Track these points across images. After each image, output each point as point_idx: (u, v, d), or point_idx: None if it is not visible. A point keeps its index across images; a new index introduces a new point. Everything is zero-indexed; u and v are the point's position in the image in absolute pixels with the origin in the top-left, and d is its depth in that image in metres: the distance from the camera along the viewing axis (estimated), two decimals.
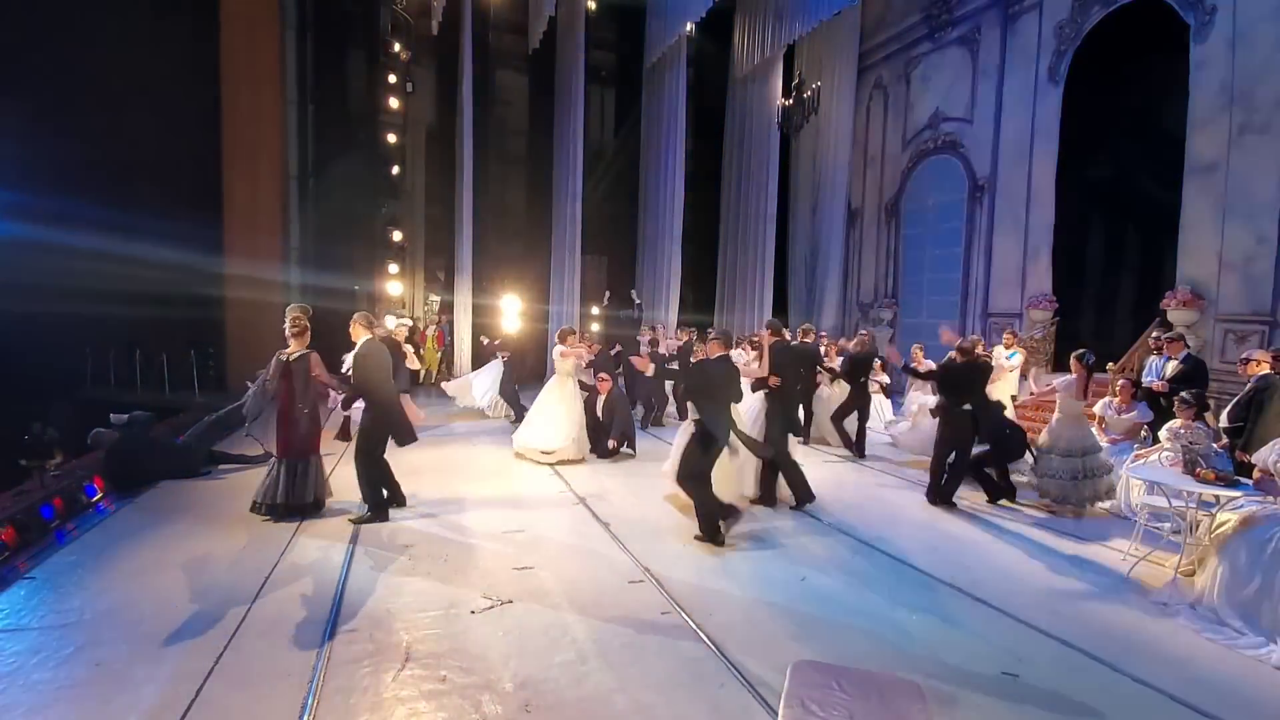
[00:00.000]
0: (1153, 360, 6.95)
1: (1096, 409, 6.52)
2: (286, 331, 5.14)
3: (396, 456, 7.56)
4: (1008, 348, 8.93)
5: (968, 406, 5.86)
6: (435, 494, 5.99)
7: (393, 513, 5.35)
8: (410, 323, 9.09)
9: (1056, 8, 10.77)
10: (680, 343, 11.01)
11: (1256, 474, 4.01)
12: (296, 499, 5.13)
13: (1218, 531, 4.06)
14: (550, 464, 7.14)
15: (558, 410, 7.35)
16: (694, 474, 4.91)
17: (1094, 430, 6.05)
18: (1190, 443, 4.94)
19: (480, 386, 10.18)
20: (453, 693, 2.93)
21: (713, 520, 4.85)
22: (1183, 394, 5.54)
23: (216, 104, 10.91)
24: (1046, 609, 3.95)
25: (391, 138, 14.07)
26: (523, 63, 15.58)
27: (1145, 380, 6.79)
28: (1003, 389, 8.10)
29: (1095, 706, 2.99)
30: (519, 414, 9.07)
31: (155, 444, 6.44)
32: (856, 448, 8.16)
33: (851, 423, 8.29)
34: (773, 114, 14.53)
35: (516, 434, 7.69)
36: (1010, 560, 4.79)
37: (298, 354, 5.12)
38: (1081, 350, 6.01)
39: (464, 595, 3.91)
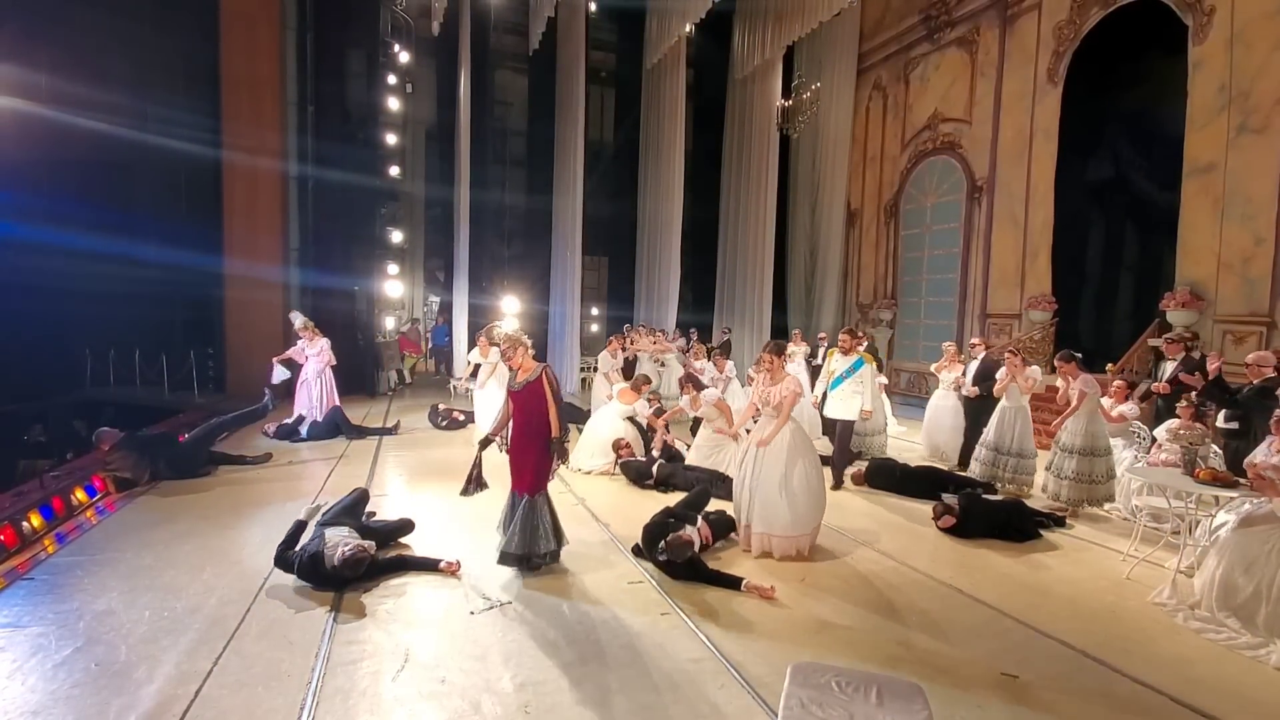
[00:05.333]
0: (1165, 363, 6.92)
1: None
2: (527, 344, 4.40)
3: (394, 457, 7.57)
4: (845, 352, 6.67)
5: None
6: (435, 495, 5.98)
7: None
8: (302, 321, 8.86)
9: (1055, 9, 10.79)
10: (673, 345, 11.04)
11: (1252, 474, 4.01)
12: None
13: (1216, 532, 4.06)
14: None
15: (600, 431, 7.25)
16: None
17: (1100, 431, 5.94)
18: (1190, 443, 4.95)
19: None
20: (452, 694, 2.93)
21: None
22: (1191, 394, 5.55)
23: (216, 104, 10.91)
24: (1046, 610, 3.95)
25: (391, 138, 14.08)
26: (522, 63, 15.61)
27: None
28: (843, 405, 6.58)
29: (1095, 707, 2.99)
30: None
31: (156, 444, 6.42)
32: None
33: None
34: (772, 114, 14.55)
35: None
36: (1009, 561, 4.78)
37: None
38: (1063, 351, 6.06)
39: (463, 596, 3.91)
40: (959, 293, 12.65)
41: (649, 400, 7.69)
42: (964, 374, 7.54)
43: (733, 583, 4.08)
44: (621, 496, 6.23)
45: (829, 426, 6.85)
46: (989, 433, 6.70)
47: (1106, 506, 5.92)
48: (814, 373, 10.96)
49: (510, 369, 4.38)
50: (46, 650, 3.19)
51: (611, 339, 9.97)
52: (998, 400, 6.75)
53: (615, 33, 16.31)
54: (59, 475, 5.62)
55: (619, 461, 6.85)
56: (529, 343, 4.37)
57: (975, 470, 6.70)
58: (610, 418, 7.36)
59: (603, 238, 15.77)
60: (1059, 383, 6.14)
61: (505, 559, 4.21)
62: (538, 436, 4.19)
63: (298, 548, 4.08)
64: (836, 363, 6.71)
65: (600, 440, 7.17)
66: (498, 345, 4.92)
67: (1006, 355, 6.78)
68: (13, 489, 5.20)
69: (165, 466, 6.20)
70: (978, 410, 7.18)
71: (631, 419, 7.35)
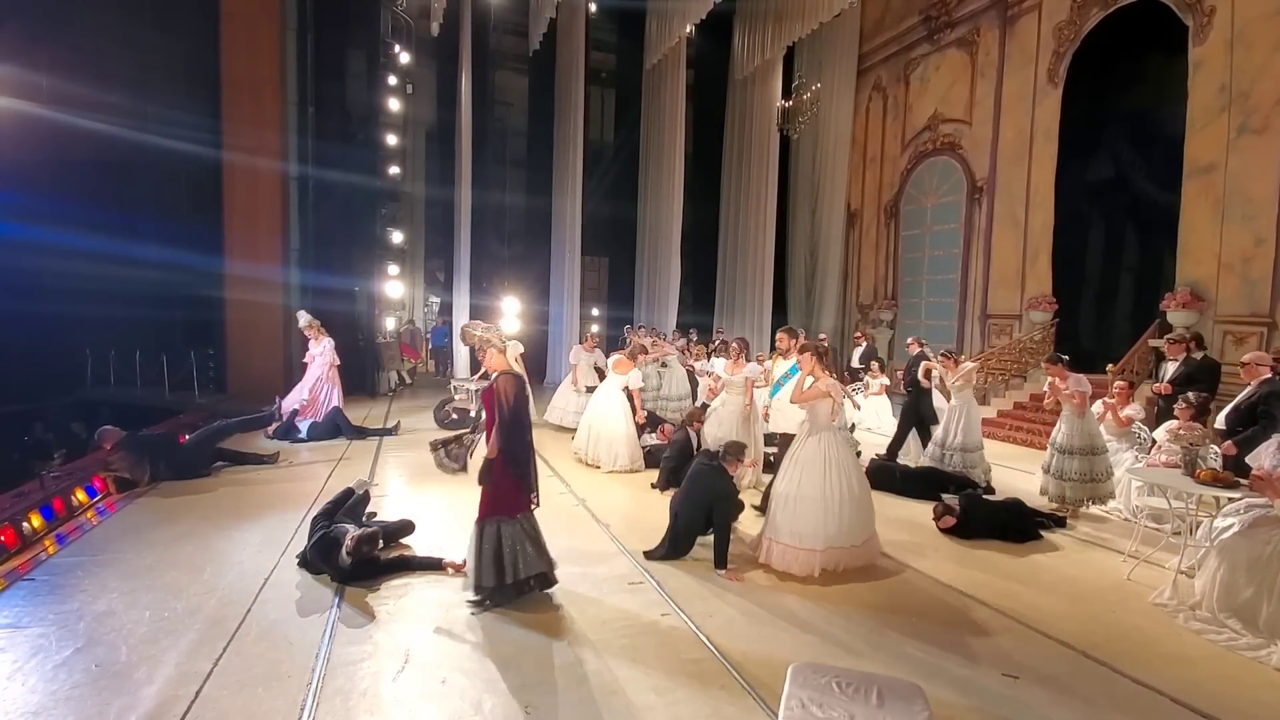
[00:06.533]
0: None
1: (1095, 408, 6.56)
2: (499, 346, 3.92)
3: (394, 457, 7.57)
4: (784, 354, 5.84)
5: None
6: (436, 495, 5.98)
7: None
8: (307, 320, 8.81)
9: (1055, 9, 10.79)
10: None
11: (1253, 476, 4.01)
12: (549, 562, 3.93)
13: (1220, 535, 4.06)
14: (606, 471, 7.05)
15: (617, 426, 7.11)
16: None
17: (1101, 430, 6.01)
18: (1190, 444, 4.94)
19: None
20: (452, 694, 2.93)
21: None
22: (1187, 394, 5.55)
23: (216, 105, 10.92)
24: (1046, 610, 3.95)
25: (391, 139, 14.09)
26: (523, 64, 15.62)
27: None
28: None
29: (1095, 708, 2.98)
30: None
31: (157, 444, 6.43)
32: None
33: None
34: (772, 115, 14.56)
35: (577, 441, 7.46)
36: (1010, 561, 4.78)
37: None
38: (1050, 354, 6.19)
39: (463, 596, 3.90)
40: (959, 293, 12.65)
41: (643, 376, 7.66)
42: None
43: (722, 561, 4.31)
44: (622, 497, 6.23)
45: (771, 441, 5.96)
46: (938, 430, 6.97)
47: (1108, 506, 5.93)
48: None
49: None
50: (47, 651, 3.19)
51: (589, 336, 10.00)
52: (926, 392, 7.26)
53: (615, 33, 16.32)
54: (59, 476, 5.62)
55: (684, 426, 6.59)
56: (501, 343, 3.90)
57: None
58: (613, 400, 7.19)
59: (603, 238, 15.78)
60: (1045, 387, 6.20)
61: None
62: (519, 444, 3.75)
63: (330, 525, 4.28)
64: (779, 367, 5.87)
65: (618, 434, 7.03)
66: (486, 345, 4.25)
67: (940, 356, 7.11)
68: (13, 489, 5.20)
69: (166, 467, 6.20)
70: (910, 405, 7.56)
71: (627, 393, 7.26)
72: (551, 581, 3.91)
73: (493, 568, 3.70)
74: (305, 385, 8.70)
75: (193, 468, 6.40)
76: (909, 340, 8.11)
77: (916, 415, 7.53)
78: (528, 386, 3.89)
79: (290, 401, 8.55)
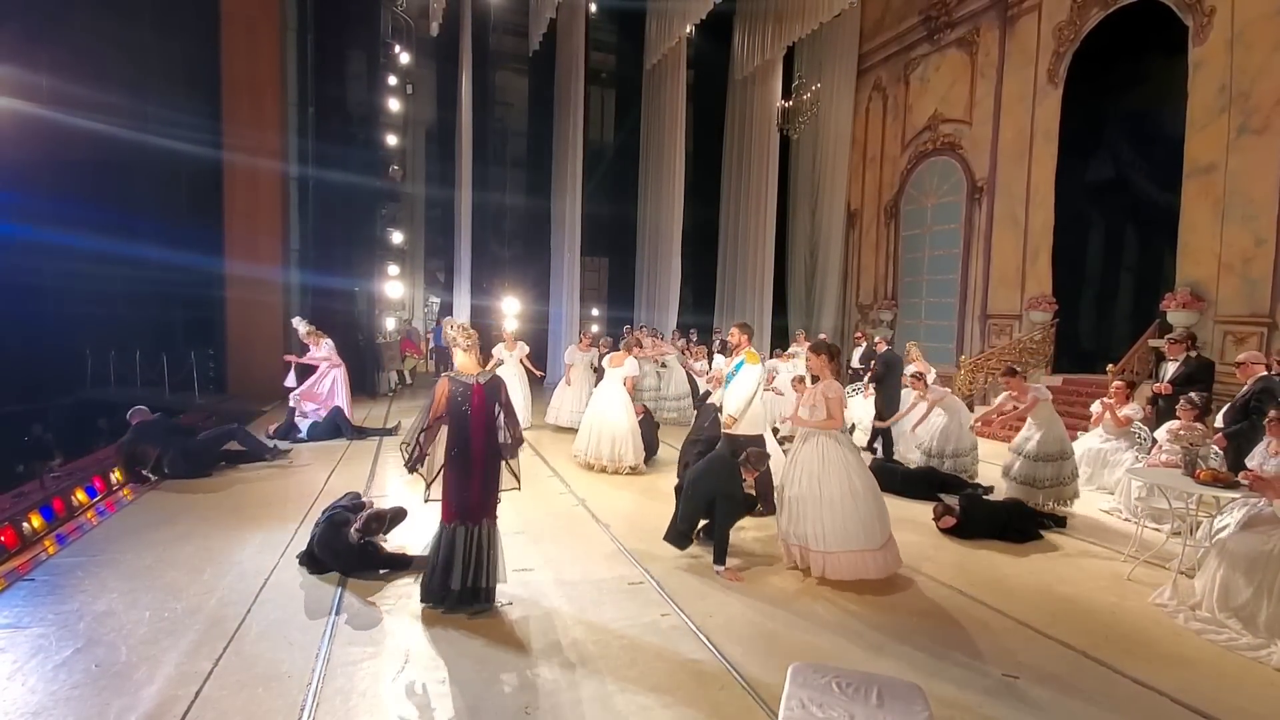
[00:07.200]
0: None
1: (1093, 408, 6.59)
2: (463, 345, 3.86)
3: (394, 457, 7.58)
4: (734, 349, 5.52)
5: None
6: (431, 495, 5.96)
7: None
8: (306, 328, 8.48)
9: (1055, 9, 10.79)
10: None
11: (1247, 476, 4.01)
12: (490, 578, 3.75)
13: (1219, 534, 4.06)
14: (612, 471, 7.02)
15: (620, 423, 7.07)
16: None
17: (1065, 435, 5.97)
18: (1190, 444, 4.94)
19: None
20: (452, 694, 2.93)
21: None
22: (1191, 395, 5.55)
23: (216, 105, 10.93)
24: (1046, 610, 3.95)
25: (391, 139, 14.10)
26: (523, 64, 15.64)
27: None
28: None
29: (1095, 708, 2.98)
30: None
31: (174, 432, 6.46)
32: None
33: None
34: (772, 115, 14.57)
35: (578, 443, 7.37)
36: (1010, 561, 4.78)
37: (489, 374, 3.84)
38: (1006, 366, 6.44)
39: None
40: (959, 294, 12.65)
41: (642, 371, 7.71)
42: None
43: (720, 557, 4.31)
44: (622, 498, 6.23)
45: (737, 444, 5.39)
46: (931, 440, 6.91)
47: (1072, 508, 5.92)
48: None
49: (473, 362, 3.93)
50: (47, 651, 3.19)
51: (583, 335, 10.02)
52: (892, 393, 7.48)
53: (615, 34, 16.34)
54: (59, 476, 5.62)
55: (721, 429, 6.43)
56: (465, 343, 3.85)
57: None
58: (615, 398, 7.16)
59: (603, 238, 15.80)
60: (999, 398, 6.27)
61: None
62: (451, 450, 3.70)
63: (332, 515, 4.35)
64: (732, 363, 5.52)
65: (622, 431, 6.99)
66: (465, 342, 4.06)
67: (911, 379, 7.35)
68: (13, 490, 5.20)
69: (179, 455, 6.24)
70: (882, 402, 7.65)
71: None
72: (452, 604, 3.65)
73: (430, 565, 3.73)
74: (320, 380, 8.56)
75: (200, 463, 6.46)
76: (876, 339, 8.17)
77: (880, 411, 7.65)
78: (502, 392, 3.78)
79: (301, 391, 8.46)
